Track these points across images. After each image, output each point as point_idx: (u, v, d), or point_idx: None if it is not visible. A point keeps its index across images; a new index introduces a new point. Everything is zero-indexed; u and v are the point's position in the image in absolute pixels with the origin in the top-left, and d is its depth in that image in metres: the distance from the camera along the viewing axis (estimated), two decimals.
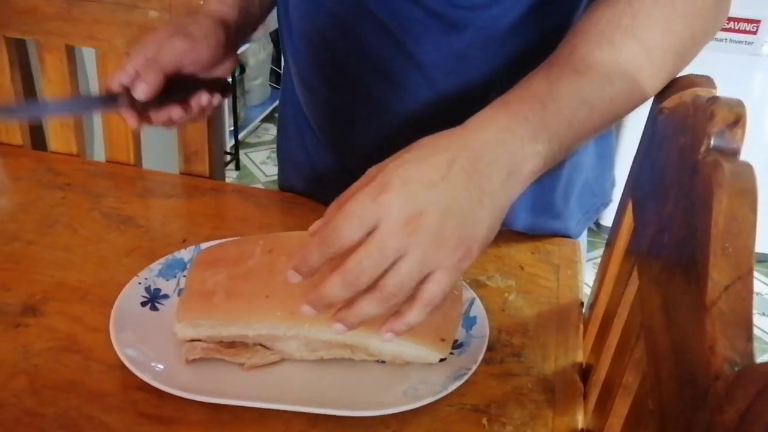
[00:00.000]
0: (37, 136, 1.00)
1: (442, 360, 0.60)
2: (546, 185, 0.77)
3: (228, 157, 2.71)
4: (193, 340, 0.60)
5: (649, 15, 0.55)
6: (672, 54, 0.56)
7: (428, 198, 0.47)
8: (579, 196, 0.82)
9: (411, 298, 0.50)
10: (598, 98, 0.54)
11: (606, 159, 0.85)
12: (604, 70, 0.54)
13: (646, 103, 0.59)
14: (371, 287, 0.48)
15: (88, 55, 1.25)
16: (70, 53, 0.93)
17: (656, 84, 0.57)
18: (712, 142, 0.41)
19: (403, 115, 0.71)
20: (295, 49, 0.78)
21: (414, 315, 0.50)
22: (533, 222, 0.81)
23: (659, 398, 0.40)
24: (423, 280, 0.49)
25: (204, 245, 0.71)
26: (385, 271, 0.48)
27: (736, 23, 1.98)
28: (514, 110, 0.51)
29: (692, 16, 0.55)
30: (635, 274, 0.55)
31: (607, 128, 0.58)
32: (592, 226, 0.93)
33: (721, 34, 1.97)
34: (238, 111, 2.67)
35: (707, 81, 0.56)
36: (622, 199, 0.66)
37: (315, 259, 0.49)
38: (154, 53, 0.68)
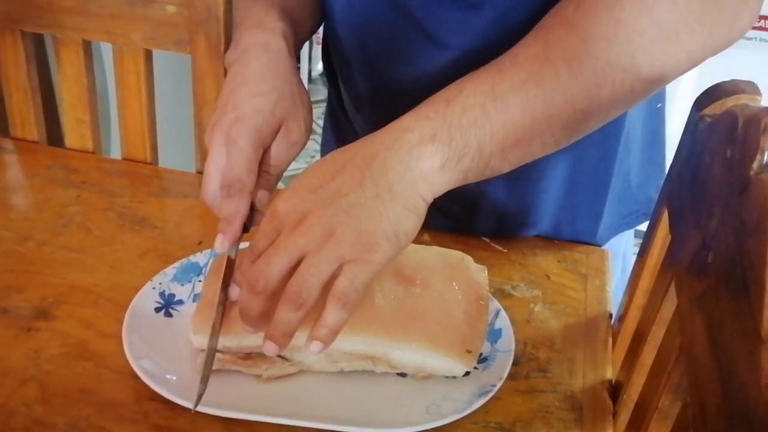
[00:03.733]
0: (54, 132, 0.98)
1: (466, 373, 0.58)
2: (578, 182, 0.74)
3: None
4: None
5: (594, 3, 0.50)
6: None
7: (313, 199, 0.50)
8: (617, 200, 0.78)
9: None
10: (518, 94, 0.51)
11: (654, 165, 0.80)
12: (531, 66, 0.51)
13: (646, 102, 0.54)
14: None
15: (105, 50, 1.24)
16: (87, 48, 0.91)
17: (615, 80, 0.51)
18: (766, 157, 0.38)
19: None
20: (334, 38, 0.76)
21: (330, 312, 0.49)
22: (558, 219, 0.77)
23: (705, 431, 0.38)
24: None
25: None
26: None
27: (765, 21, 1.93)
28: (421, 111, 0.53)
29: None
30: (672, 290, 0.52)
31: (576, 128, 0.53)
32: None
33: (750, 33, 1.92)
34: None
35: (752, 87, 0.53)
36: (656, 207, 0.63)
37: (253, 305, 0.51)
38: (260, 144, 0.60)
